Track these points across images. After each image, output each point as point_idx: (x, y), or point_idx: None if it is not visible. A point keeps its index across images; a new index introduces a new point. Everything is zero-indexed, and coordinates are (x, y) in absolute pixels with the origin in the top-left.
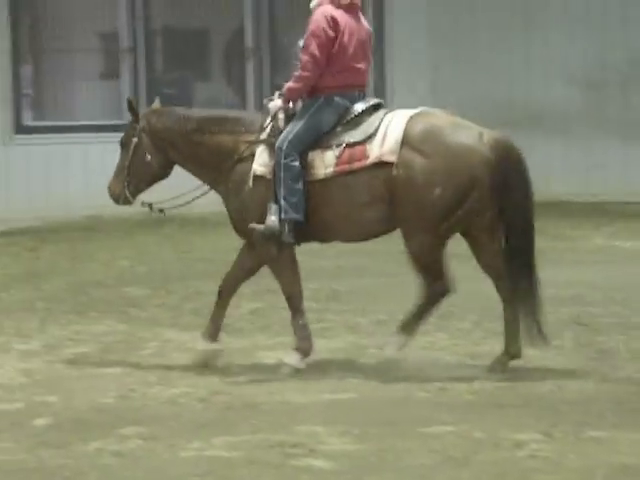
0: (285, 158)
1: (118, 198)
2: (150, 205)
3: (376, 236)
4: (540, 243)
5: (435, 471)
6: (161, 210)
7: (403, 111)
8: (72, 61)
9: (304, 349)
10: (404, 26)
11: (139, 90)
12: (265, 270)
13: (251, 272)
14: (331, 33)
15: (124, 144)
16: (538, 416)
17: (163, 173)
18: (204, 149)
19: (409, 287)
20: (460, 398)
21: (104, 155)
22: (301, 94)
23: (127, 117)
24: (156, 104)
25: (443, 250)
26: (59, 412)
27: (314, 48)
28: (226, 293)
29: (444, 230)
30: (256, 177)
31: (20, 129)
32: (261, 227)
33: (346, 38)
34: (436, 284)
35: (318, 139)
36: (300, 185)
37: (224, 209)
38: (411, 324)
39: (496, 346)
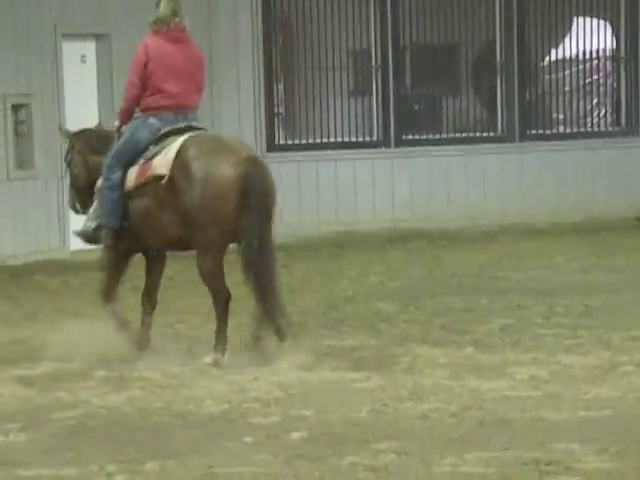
0: (106, 170)
1: (73, 210)
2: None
3: (181, 243)
4: None
5: None
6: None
7: (190, 133)
8: (323, 79)
9: (122, 328)
10: None
11: (389, 106)
12: (513, 285)
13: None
14: (143, 59)
15: (66, 163)
16: None
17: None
18: (88, 164)
19: None
20: None
21: (355, 172)
22: (128, 115)
23: (378, 134)
24: (92, 126)
25: (222, 261)
26: (314, 426)
27: (132, 74)
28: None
29: (213, 238)
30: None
31: (273, 147)
32: (78, 230)
33: (156, 64)
34: (222, 293)
35: (137, 155)
36: (116, 195)
37: (475, 224)
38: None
39: None
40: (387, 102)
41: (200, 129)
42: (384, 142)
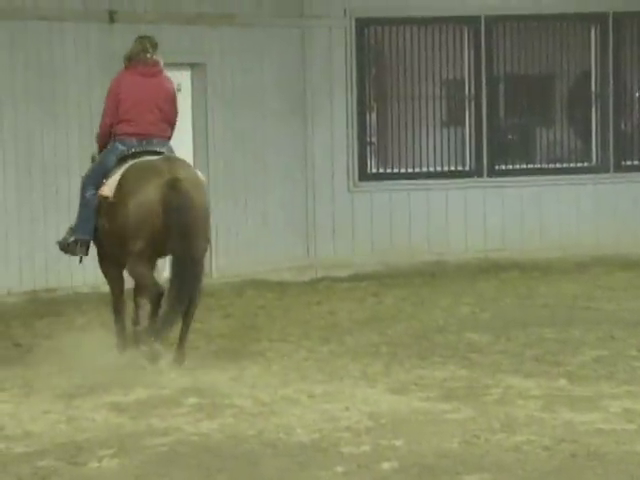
0: (82, 188)
1: None
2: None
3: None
4: None
5: None
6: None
7: (140, 158)
8: (416, 108)
9: (119, 345)
10: None
11: (481, 136)
12: (607, 316)
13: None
14: (115, 91)
15: None
16: None
17: None
18: None
19: None
20: None
21: (447, 201)
22: (103, 140)
23: (470, 163)
24: None
25: (148, 267)
26: (405, 456)
27: (106, 105)
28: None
29: (138, 250)
30: None
31: (364, 176)
32: (58, 240)
33: (125, 96)
34: (151, 290)
35: (104, 176)
36: (88, 211)
37: (567, 255)
38: (154, 328)
39: None
40: (480, 132)
41: (160, 153)
42: (476, 172)
